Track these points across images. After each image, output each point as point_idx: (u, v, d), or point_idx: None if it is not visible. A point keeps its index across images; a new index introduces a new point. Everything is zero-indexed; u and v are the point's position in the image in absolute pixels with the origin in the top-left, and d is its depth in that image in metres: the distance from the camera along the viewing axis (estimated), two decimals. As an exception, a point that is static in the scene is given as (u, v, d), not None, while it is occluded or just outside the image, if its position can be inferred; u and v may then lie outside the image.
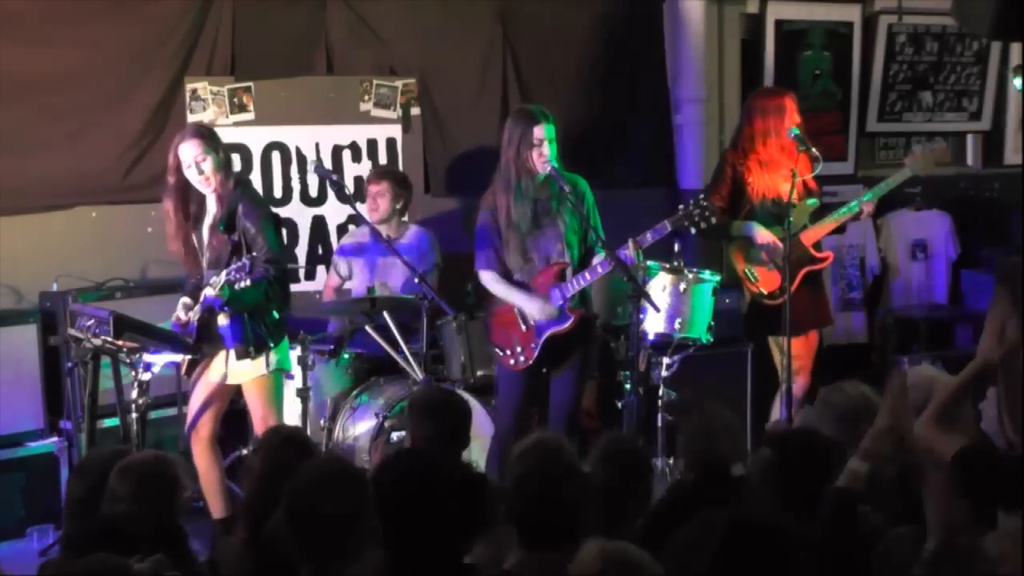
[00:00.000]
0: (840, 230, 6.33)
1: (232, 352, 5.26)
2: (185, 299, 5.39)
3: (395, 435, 5.75)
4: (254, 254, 5.12)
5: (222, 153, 5.31)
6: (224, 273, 5.05)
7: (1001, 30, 4.93)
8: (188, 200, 5.35)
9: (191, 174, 5.27)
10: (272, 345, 5.30)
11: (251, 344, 5.24)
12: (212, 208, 5.34)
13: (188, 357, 5.35)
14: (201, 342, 5.29)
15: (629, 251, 5.27)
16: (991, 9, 4.74)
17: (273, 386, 5.39)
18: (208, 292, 5.13)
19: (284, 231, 5.68)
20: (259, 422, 5.40)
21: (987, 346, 3.42)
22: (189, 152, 5.26)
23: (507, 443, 5.32)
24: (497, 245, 5.50)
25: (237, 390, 5.49)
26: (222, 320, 5.20)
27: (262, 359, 5.28)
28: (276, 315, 5.33)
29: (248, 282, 5.00)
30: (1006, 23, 4.75)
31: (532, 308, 5.44)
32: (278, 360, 5.36)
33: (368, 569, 3.00)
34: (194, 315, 5.25)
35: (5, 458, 5.81)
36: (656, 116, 7.82)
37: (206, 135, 5.33)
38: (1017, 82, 7.94)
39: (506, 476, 3.56)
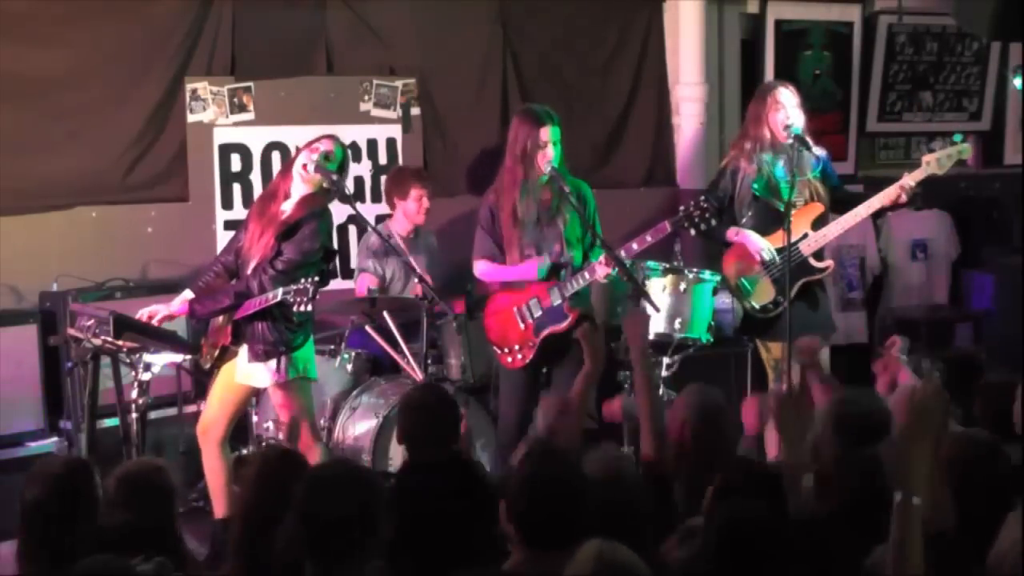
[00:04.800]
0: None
1: (246, 353, 5.21)
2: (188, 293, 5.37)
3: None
4: (315, 279, 4.98)
5: (326, 172, 5.17)
6: (282, 291, 4.97)
7: (1001, 30, 4.95)
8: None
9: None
10: (284, 350, 5.17)
11: (261, 347, 5.16)
12: (286, 208, 5.20)
13: (218, 351, 5.27)
14: (235, 340, 5.23)
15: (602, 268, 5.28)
16: (991, 9, 4.75)
17: (294, 393, 5.25)
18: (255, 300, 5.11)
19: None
20: (286, 428, 5.34)
21: None
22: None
23: (510, 440, 5.34)
24: (491, 242, 5.52)
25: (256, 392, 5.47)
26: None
27: (275, 364, 5.16)
28: (296, 319, 5.16)
29: (309, 307, 4.92)
30: (1006, 23, 4.76)
31: (530, 272, 5.46)
32: (296, 366, 5.21)
33: (375, 571, 3.01)
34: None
35: (5, 458, 5.80)
36: (656, 116, 7.83)
37: (330, 147, 5.23)
38: (1017, 82, 7.95)
39: (509, 476, 3.56)
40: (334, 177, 5.17)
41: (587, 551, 2.77)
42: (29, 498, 3.54)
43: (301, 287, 4.91)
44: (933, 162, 5.60)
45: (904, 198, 5.63)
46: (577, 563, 2.76)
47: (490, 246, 5.54)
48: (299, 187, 5.19)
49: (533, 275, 5.45)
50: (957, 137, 5.89)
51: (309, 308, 4.91)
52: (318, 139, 5.28)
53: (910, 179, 5.58)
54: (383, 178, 6.98)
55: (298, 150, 5.35)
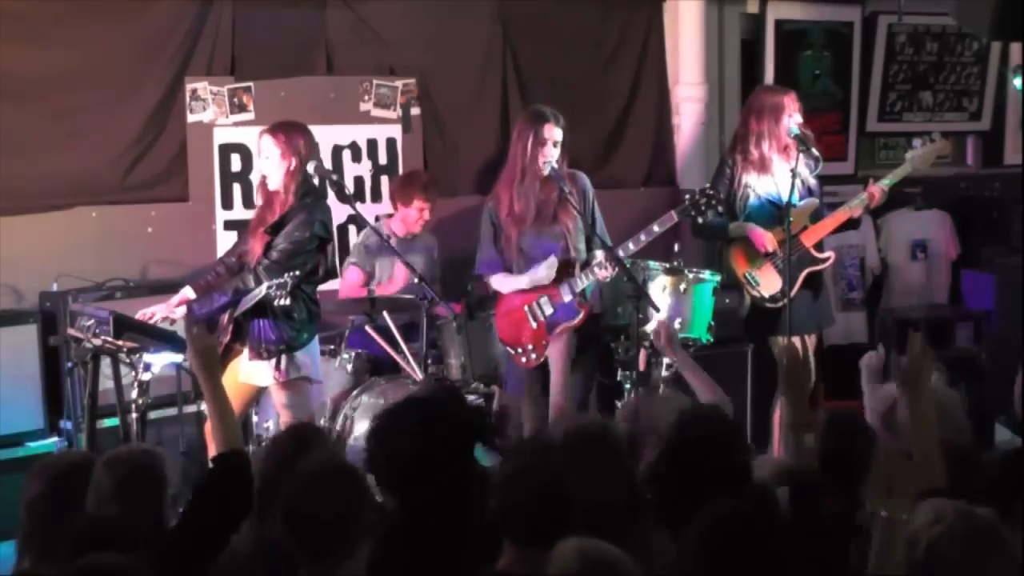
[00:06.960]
0: (849, 225, 6.17)
1: (248, 352, 5.25)
2: (187, 291, 5.38)
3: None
4: (296, 273, 5.04)
5: (295, 159, 5.22)
6: (265, 286, 5.02)
7: (1001, 30, 4.94)
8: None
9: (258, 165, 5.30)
10: (284, 348, 5.22)
11: (262, 346, 5.20)
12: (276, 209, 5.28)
13: (221, 351, 5.28)
14: (236, 339, 5.27)
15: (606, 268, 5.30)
16: (991, 9, 4.75)
17: (295, 393, 5.28)
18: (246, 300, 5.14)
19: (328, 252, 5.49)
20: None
21: None
22: (259, 144, 5.30)
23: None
24: (495, 247, 5.54)
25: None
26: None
27: (276, 363, 5.20)
28: (297, 318, 5.21)
29: (287, 301, 4.97)
30: (1006, 23, 4.76)
31: (540, 276, 5.45)
32: (298, 367, 5.25)
33: (363, 563, 3.01)
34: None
35: (5, 458, 5.79)
36: (656, 116, 7.83)
37: (280, 135, 5.27)
38: (1017, 82, 7.95)
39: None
40: (334, 177, 5.20)
41: (567, 550, 2.75)
42: (32, 493, 3.54)
43: (281, 281, 4.96)
44: (915, 159, 6.00)
45: (878, 199, 5.92)
46: (558, 563, 2.74)
47: (495, 257, 5.55)
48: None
49: (544, 277, 5.46)
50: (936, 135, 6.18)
51: (287, 302, 4.96)
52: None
53: (887, 180, 5.92)
54: (384, 178, 6.99)
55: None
